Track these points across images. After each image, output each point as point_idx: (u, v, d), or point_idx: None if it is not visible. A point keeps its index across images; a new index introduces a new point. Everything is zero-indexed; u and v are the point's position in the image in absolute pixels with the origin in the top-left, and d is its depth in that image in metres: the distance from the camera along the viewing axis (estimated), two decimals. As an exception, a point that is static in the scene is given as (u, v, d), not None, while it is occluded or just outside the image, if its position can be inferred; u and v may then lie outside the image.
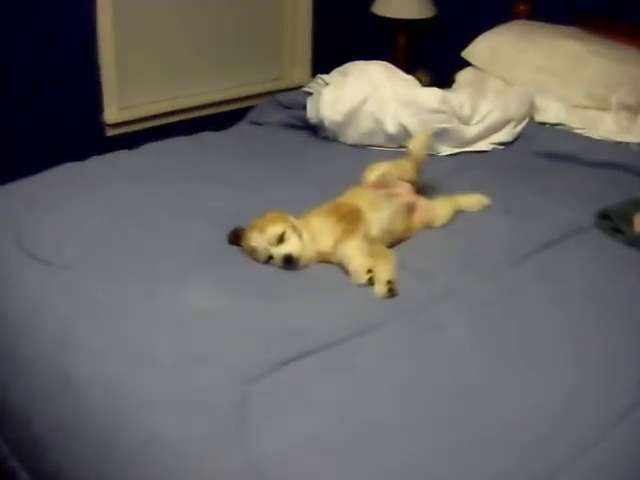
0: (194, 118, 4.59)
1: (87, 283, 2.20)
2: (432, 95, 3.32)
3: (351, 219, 2.39)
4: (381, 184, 2.69)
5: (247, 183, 2.90)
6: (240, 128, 3.56)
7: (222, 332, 2.00)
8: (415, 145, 2.78)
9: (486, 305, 2.18)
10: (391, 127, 3.32)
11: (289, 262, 2.30)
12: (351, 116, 3.34)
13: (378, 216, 2.48)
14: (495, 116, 3.40)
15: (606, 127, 3.56)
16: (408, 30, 4.68)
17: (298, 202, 2.71)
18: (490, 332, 2.06)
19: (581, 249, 2.58)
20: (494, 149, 3.40)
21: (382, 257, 2.31)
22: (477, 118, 3.39)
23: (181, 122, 4.53)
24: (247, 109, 3.82)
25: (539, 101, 3.62)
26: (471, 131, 3.37)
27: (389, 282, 2.18)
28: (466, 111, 3.35)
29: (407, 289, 2.23)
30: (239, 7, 4.69)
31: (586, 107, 3.67)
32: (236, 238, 2.42)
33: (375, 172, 2.72)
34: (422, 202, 2.71)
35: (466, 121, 3.37)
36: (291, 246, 2.32)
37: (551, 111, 3.62)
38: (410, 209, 2.64)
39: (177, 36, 4.50)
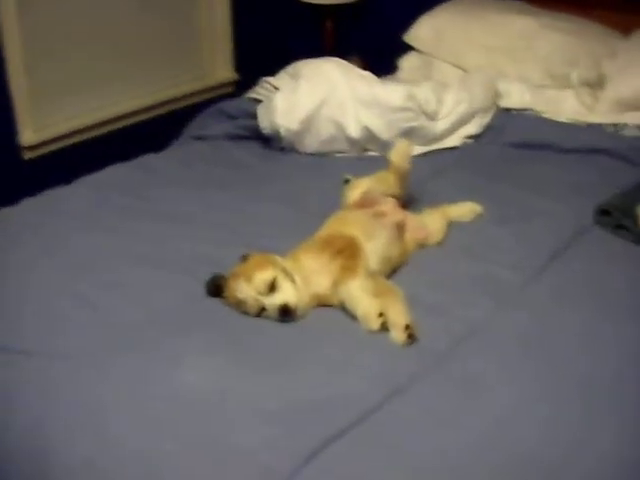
0: (120, 129, 4.17)
1: (52, 366, 1.83)
2: (395, 92, 3.04)
3: (348, 253, 2.08)
4: (365, 202, 2.39)
5: (209, 216, 2.56)
6: (182, 146, 3.19)
7: (229, 417, 1.67)
8: (396, 156, 2.50)
9: (517, 342, 1.92)
10: (354, 131, 3.04)
11: (286, 313, 1.97)
12: (309, 123, 3.04)
13: (374, 245, 2.18)
14: (462, 108, 3.15)
15: (571, 107, 3.36)
16: (334, 15, 4.35)
17: (274, 230, 2.45)
18: (534, 381, 1.80)
19: (591, 254, 2.36)
20: (464, 143, 3.17)
21: (390, 295, 2.02)
22: (444, 112, 3.14)
23: (106, 135, 4.11)
24: (175, 113, 3.45)
25: (500, 85, 3.39)
26: (439, 126, 3.13)
27: (407, 327, 1.89)
28: (432, 106, 3.08)
29: (425, 330, 1.95)
30: (152, 6, 4.27)
31: (544, 85, 3.45)
32: (217, 289, 2.07)
33: (357, 189, 2.42)
34: (411, 218, 2.42)
35: (433, 116, 3.10)
36: (285, 294, 2.00)
37: (514, 95, 3.42)
38: (400, 229, 2.34)
39: (90, 43, 4.05)
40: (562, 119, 3.23)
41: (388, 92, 3.03)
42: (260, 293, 2.00)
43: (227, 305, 2.06)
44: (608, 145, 2.99)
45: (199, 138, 3.27)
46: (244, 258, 2.12)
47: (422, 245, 2.39)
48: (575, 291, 2.15)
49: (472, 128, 3.18)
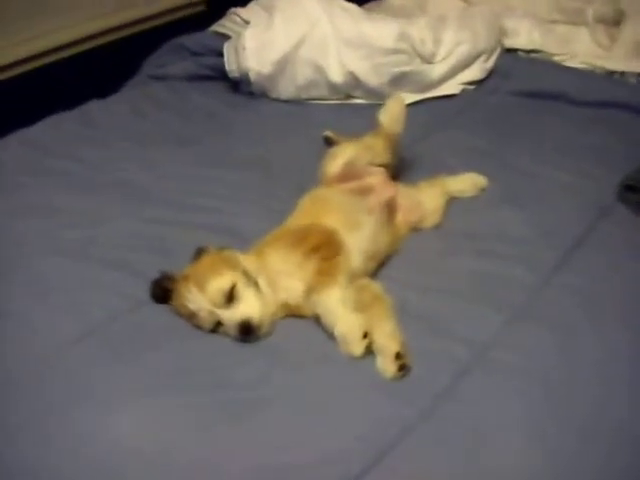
0: (77, 54, 3.56)
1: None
2: (386, 31, 2.59)
3: (326, 252, 1.67)
4: (348, 175, 1.97)
5: (159, 185, 2.14)
6: (136, 88, 2.72)
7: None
8: (388, 117, 2.06)
9: (536, 379, 1.53)
10: (336, 75, 2.63)
11: (247, 331, 1.58)
12: (284, 65, 2.62)
13: (358, 237, 1.78)
14: (463, 50, 2.72)
15: (585, 48, 2.92)
16: None
17: (239, 205, 2.08)
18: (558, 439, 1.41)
19: (618, 243, 1.96)
20: (464, 90, 2.74)
21: (376, 308, 1.63)
22: (442, 54, 2.72)
23: (58, 62, 3.53)
24: (117, 44, 2.97)
25: (507, 21, 2.93)
26: (435, 71, 2.72)
27: (398, 356, 1.50)
28: (428, 47, 2.65)
29: (421, 356, 1.54)
30: None
31: (554, 21, 3.00)
32: (164, 293, 1.67)
33: (339, 159, 1.99)
34: (403, 194, 2.00)
35: (429, 59, 2.66)
36: (247, 306, 1.60)
37: (523, 33, 2.99)
38: (391, 208, 1.93)
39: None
40: (576, 64, 2.81)
41: (377, 31, 2.59)
42: (215, 305, 1.59)
43: (176, 314, 1.65)
44: (630, 99, 2.58)
45: (157, 78, 2.78)
46: (198, 253, 1.70)
47: (416, 227, 1.98)
48: (606, 295, 1.76)
49: (474, 73, 2.77)
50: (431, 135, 2.45)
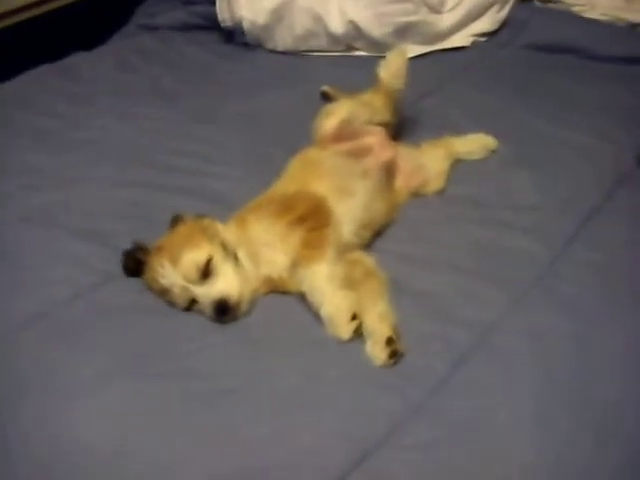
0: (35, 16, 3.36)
1: None
2: (391, -22, 2.36)
3: (313, 223, 1.51)
4: (344, 134, 1.80)
5: (141, 143, 2.00)
6: (125, 39, 2.55)
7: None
8: (388, 71, 1.89)
9: (553, 369, 1.37)
10: (336, 25, 2.47)
11: (224, 311, 1.42)
12: (280, 14, 2.46)
13: (350, 205, 1.61)
14: (474, -2, 2.47)
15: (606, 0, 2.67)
16: None
17: (225, 167, 1.92)
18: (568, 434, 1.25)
19: (636, 214, 1.79)
20: (475, 43, 2.54)
21: (368, 285, 1.47)
22: (451, 3, 2.54)
23: (21, 22, 3.32)
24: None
25: (522, -35, 2.70)
26: (444, 21, 2.54)
27: (390, 341, 1.35)
28: (437, -6, 2.41)
29: (415, 340, 1.39)
30: None
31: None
32: (136, 265, 1.51)
33: (334, 117, 1.82)
34: (404, 156, 1.84)
35: (437, 9, 2.47)
36: (224, 282, 1.45)
37: (540, -21, 2.71)
38: (389, 171, 1.76)
39: None
40: (596, 15, 2.59)
41: (382, -24, 2.37)
42: (190, 280, 1.44)
43: (149, 289, 1.50)
44: (654, 56, 2.36)
45: (147, 28, 2.60)
46: (175, 221, 1.55)
47: (417, 193, 1.82)
48: (624, 272, 1.60)
49: (485, 24, 2.59)
50: (438, 91, 2.28)
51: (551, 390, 1.34)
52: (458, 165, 1.93)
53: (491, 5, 2.55)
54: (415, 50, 2.43)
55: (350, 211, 1.59)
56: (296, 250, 1.49)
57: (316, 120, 1.87)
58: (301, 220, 1.51)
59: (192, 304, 1.47)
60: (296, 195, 1.57)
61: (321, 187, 1.61)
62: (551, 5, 2.69)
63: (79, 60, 2.42)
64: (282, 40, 2.48)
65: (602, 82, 2.31)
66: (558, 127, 2.06)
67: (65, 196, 1.77)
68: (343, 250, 1.53)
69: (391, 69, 1.88)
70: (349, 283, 1.46)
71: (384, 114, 1.88)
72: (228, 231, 1.53)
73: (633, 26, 2.58)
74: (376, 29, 2.41)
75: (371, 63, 2.38)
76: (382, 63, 1.91)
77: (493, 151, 1.96)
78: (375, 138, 1.83)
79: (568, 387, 1.34)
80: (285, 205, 1.54)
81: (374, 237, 1.68)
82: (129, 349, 1.37)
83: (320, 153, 1.75)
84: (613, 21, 2.60)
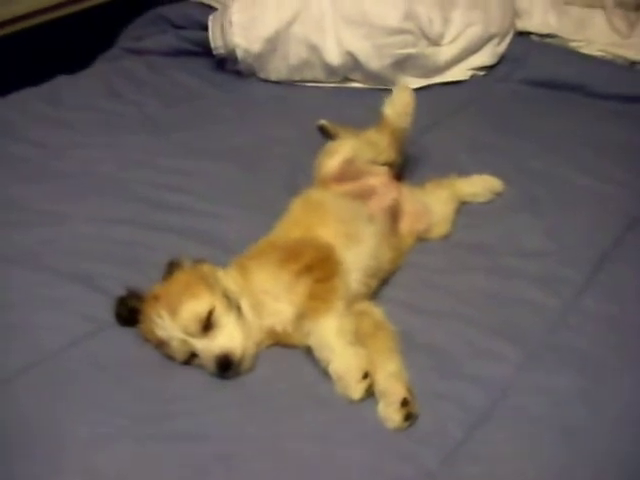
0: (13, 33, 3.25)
1: None
2: (390, 8, 2.35)
3: (321, 272, 1.43)
4: (347, 174, 1.72)
5: (127, 177, 1.89)
6: (109, 63, 2.44)
7: None
8: (394, 109, 1.82)
9: (570, 433, 1.30)
10: (333, 56, 2.39)
11: (227, 367, 1.33)
12: (275, 43, 2.39)
13: (357, 253, 1.53)
14: (474, 31, 2.48)
15: (602, 35, 2.67)
16: None
17: (220, 206, 1.84)
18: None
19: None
20: (473, 77, 2.49)
21: (379, 340, 1.40)
22: (450, 35, 2.48)
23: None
24: (89, 12, 2.68)
25: (519, 1, 2.67)
26: (443, 54, 2.48)
27: (405, 402, 1.26)
28: (436, 27, 2.41)
29: (428, 400, 1.31)
30: None
31: (570, 3, 2.74)
32: (130, 314, 1.42)
33: (337, 156, 1.75)
34: (408, 198, 1.76)
35: (437, 41, 2.40)
36: (227, 336, 1.36)
37: (537, 14, 2.75)
38: (394, 214, 1.69)
39: None
40: (593, 51, 2.56)
41: (381, 8, 2.35)
42: (190, 333, 1.35)
43: (144, 339, 1.40)
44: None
45: (133, 52, 2.51)
46: (171, 267, 1.45)
47: (422, 237, 1.74)
48: (637, 324, 1.53)
49: (484, 57, 2.53)
50: (437, 127, 2.22)
51: (570, 455, 1.26)
52: (463, 208, 1.85)
53: (490, 38, 2.49)
54: (413, 83, 2.36)
55: (358, 259, 1.51)
56: (302, 301, 1.40)
57: (318, 158, 1.79)
58: (308, 269, 1.43)
59: (192, 358, 1.38)
60: (302, 242, 1.49)
61: (327, 233, 1.53)
62: (548, 40, 2.65)
63: (62, 84, 2.33)
64: (276, 69, 2.41)
65: (603, 121, 2.27)
66: (563, 168, 2.01)
67: (50, 234, 1.67)
68: (350, 301, 1.45)
69: (397, 106, 1.81)
70: (358, 337, 1.37)
71: (389, 153, 1.81)
72: (229, 279, 1.45)
73: (631, 64, 2.54)
74: (374, 61, 2.35)
75: (367, 96, 2.35)
76: (388, 100, 1.83)
77: (498, 193, 1.89)
78: (379, 179, 1.76)
79: (587, 449, 1.27)
80: (290, 252, 1.46)
81: (380, 285, 1.60)
82: (126, 408, 1.28)
83: (324, 195, 1.67)
84: (611, 58, 2.56)
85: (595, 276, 1.66)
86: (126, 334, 1.43)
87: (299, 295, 1.41)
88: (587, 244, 1.75)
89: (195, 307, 1.35)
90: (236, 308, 1.40)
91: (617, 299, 1.60)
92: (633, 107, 2.32)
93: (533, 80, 2.47)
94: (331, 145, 1.81)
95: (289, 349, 1.43)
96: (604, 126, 2.23)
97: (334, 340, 1.34)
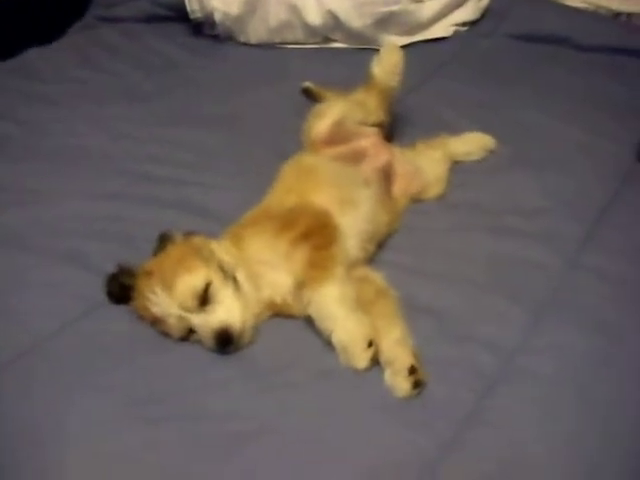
0: None
1: None
2: (370, -36, 2.23)
3: (319, 239, 1.38)
4: (337, 137, 1.67)
5: (109, 150, 1.84)
6: (82, 32, 2.36)
7: None
8: (382, 69, 1.76)
9: (581, 392, 1.27)
10: (313, 16, 2.37)
11: (226, 341, 1.28)
12: (254, 4, 2.34)
13: (354, 217, 1.48)
14: (456, -15, 2.37)
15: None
16: None
17: (206, 174, 1.78)
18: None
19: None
20: (456, 33, 2.43)
21: (381, 306, 1.36)
22: (432, -8, 2.36)
23: None
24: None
25: (500, -49, 2.60)
26: (425, 11, 2.44)
27: (412, 370, 1.22)
28: (418, -17, 2.30)
29: (437, 366, 1.28)
30: None
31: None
32: (122, 291, 1.36)
33: (326, 119, 1.70)
34: (400, 159, 1.72)
35: (417, -3, 2.32)
36: (225, 310, 1.32)
37: (518, -35, 2.61)
38: (387, 176, 1.65)
39: None
40: (578, 3, 2.54)
41: (361, -36, 2.24)
42: (186, 308, 1.30)
43: (139, 317, 1.35)
44: (637, 44, 2.31)
45: (107, 20, 2.42)
46: (162, 241, 1.40)
47: (416, 199, 1.70)
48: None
49: (467, 13, 2.50)
50: (423, 85, 2.17)
51: (584, 417, 1.23)
52: (456, 167, 1.81)
53: (473, -7, 2.43)
54: (396, 41, 2.29)
55: (354, 224, 1.47)
56: (301, 270, 1.36)
57: (306, 122, 1.74)
58: (305, 237, 1.38)
59: (189, 334, 1.33)
60: (297, 208, 1.44)
61: (322, 198, 1.48)
62: (531, -8, 2.59)
63: (35, 57, 2.25)
64: (255, 32, 2.35)
65: (589, 73, 2.24)
66: (553, 122, 1.98)
67: (35, 213, 1.61)
68: (349, 267, 1.40)
69: (385, 65, 1.76)
70: (359, 304, 1.33)
71: (378, 114, 1.76)
72: (223, 250, 1.40)
73: (616, 14, 2.49)
74: (356, 19, 2.29)
75: (349, 56, 2.30)
76: (375, 59, 1.78)
77: (491, 151, 1.85)
78: (370, 140, 1.72)
79: (600, 410, 1.24)
80: (286, 220, 1.41)
81: (377, 249, 1.56)
82: (126, 389, 1.23)
83: (315, 159, 1.62)
84: (594, 9, 2.52)
85: (595, 232, 1.63)
86: (120, 312, 1.38)
87: (297, 264, 1.36)
88: (584, 199, 1.72)
89: (191, 281, 1.31)
90: (232, 280, 1.35)
91: (618, 254, 1.57)
92: (618, 58, 2.30)
93: (517, 34, 2.44)
94: (319, 107, 1.76)
95: (289, 320, 1.39)
96: (591, 79, 2.21)
97: (336, 308, 1.30)
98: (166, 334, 1.34)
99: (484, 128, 1.90)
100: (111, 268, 1.40)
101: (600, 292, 1.47)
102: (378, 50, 2.17)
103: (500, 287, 1.47)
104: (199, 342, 1.32)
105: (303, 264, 1.36)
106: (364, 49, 2.33)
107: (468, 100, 2.09)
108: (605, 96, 2.12)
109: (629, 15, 2.48)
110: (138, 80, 2.16)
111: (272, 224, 1.41)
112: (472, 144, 1.84)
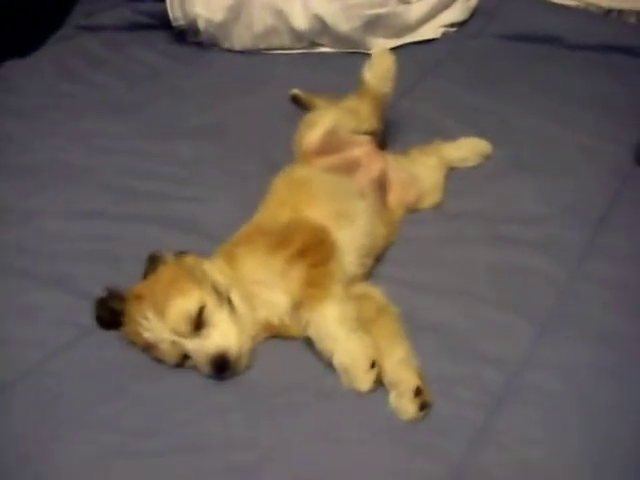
0: None
1: None
2: (358, -33, 2.18)
3: (316, 256, 1.33)
4: (329, 146, 1.62)
5: (90, 164, 1.77)
6: (61, 42, 2.29)
7: None
8: (374, 74, 1.71)
9: (589, 407, 1.23)
10: (300, 20, 2.32)
11: (223, 367, 1.23)
12: (238, 10, 2.29)
13: (352, 231, 1.42)
14: (444, -14, 2.32)
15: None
16: None
17: (194, 188, 1.73)
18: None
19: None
20: (445, 34, 2.40)
21: (383, 325, 1.31)
22: (420, -8, 2.31)
23: None
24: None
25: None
26: (413, 12, 2.39)
27: (419, 392, 1.17)
28: (405, -16, 2.25)
29: (442, 385, 1.23)
30: None
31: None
32: (112, 316, 1.30)
33: (318, 128, 1.64)
34: (394, 167, 1.67)
35: (405, -1, 2.27)
36: (221, 334, 1.26)
37: (506, -36, 2.56)
38: (382, 186, 1.60)
39: None
40: (567, 1, 2.48)
41: (348, -33, 2.19)
42: (180, 334, 1.24)
43: (129, 343, 1.29)
44: (630, 41, 2.28)
45: (87, 29, 2.36)
46: (152, 262, 1.34)
47: (412, 209, 1.65)
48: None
49: (455, 13, 2.45)
50: (414, 89, 2.13)
51: (596, 434, 1.18)
52: (452, 173, 1.76)
53: (461, -7, 2.38)
54: (384, 44, 2.25)
55: (352, 239, 1.42)
56: (298, 289, 1.30)
57: (297, 131, 1.69)
58: (301, 254, 1.33)
59: (184, 360, 1.27)
60: (292, 224, 1.38)
61: (317, 213, 1.42)
62: (520, -9, 2.54)
63: (14, 69, 2.18)
64: (240, 38, 2.30)
65: (583, 72, 2.20)
66: (549, 124, 1.94)
67: (15, 234, 1.54)
68: (348, 284, 1.35)
69: (377, 71, 1.70)
70: (361, 323, 1.28)
71: (371, 121, 1.71)
72: (217, 270, 1.33)
73: (606, 12, 2.45)
74: (343, 23, 2.24)
75: (337, 60, 2.25)
76: (367, 65, 1.72)
77: (488, 156, 1.80)
78: (363, 149, 1.67)
79: (613, 425, 1.20)
80: (281, 237, 1.35)
81: (375, 263, 1.50)
82: (118, 422, 1.17)
83: (309, 172, 1.56)
84: (585, 7, 2.48)
85: (596, 238, 1.59)
86: (110, 338, 1.31)
87: (294, 282, 1.31)
88: (584, 205, 1.68)
89: (184, 305, 1.25)
90: (227, 302, 1.30)
91: (622, 261, 1.53)
92: (611, 57, 2.26)
93: (507, 34, 2.40)
94: (311, 116, 1.70)
95: (287, 341, 1.33)
96: (584, 78, 2.17)
97: (336, 329, 1.25)
98: (159, 360, 1.28)
99: (479, 132, 1.86)
100: (99, 292, 1.34)
101: (604, 300, 1.43)
102: (366, 54, 2.13)
103: (503, 300, 1.43)
104: (194, 368, 1.26)
105: (300, 283, 1.31)
106: (352, 53, 2.29)
107: (462, 103, 2.04)
108: (601, 96, 2.08)
109: (620, 12, 2.44)
110: (121, 91, 2.10)
111: (266, 241, 1.35)
112: (468, 149, 1.79)
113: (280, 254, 1.33)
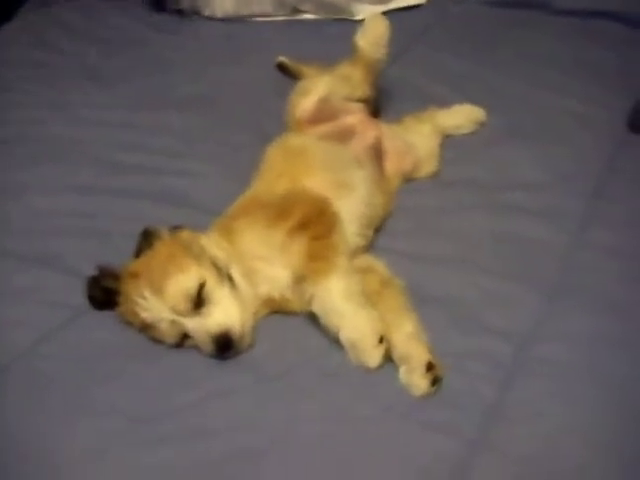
0: None
1: None
2: None
3: (318, 228, 1.27)
4: (322, 114, 1.57)
5: (81, 136, 1.72)
6: (35, 11, 2.22)
7: None
8: (368, 40, 1.65)
9: (599, 377, 1.20)
10: None
11: (226, 346, 1.18)
12: None
13: (351, 202, 1.37)
14: (429, -52, 2.27)
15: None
16: None
17: (185, 160, 1.67)
18: None
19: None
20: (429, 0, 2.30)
21: (389, 298, 1.26)
22: (404, -44, 2.25)
23: None
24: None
25: None
26: None
27: (430, 366, 1.13)
28: (389, -52, 2.19)
29: (452, 359, 1.20)
30: None
31: None
32: (105, 295, 1.24)
33: (311, 96, 1.60)
34: (389, 135, 1.62)
35: (390, -37, 2.21)
36: (222, 311, 1.21)
37: None
38: (378, 154, 1.55)
39: None
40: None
41: None
42: (179, 312, 1.19)
43: (125, 323, 1.24)
44: (620, 8, 2.24)
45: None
46: (146, 238, 1.28)
47: (409, 178, 1.60)
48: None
49: (440, -22, 2.33)
50: (402, 56, 2.08)
51: (609, 404, 1.16)
52: (447, 141, 1.72)
53: (445, -42, 2.33)
54: (368, 11, 2.20)
55: (352, 209, 1.37)
56: (300, 263, 1.25)
57: (289, 99, 1.63)
58: (302, 226, 1.27)
59: (183, 340, 1.22)
60: (291, 195, 1.33)
61: (315, 182, 1.38)
62: (505, -46, 2.49)
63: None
64: (221, 5, 2.24)
65: (572, 38, 2.18)
66: (538, 91, 1.93)
67: (2, 212, 1.46)
68: (351, 256, 1.30)
69: (370, 37, 1.66)
70: (366, 297, 1.23)
71: (364, 88, 1.67)
72: (215, 245, 1.28)
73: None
74: (326, -13, 2.17)
75: (320, 27, 2.18)
76: (360, 31, 1.67)
77: (482, 123, 1.76)
78: (356, 117, 1.62)
79: (625, 394, 1.17)
80: (280, 208, 1.30)
81: (374, 234, 1.46)
82: (119, 407, 1.12)
83: (304, 140, 1.51)
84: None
85: (596, 205, 1.57)
86: (104, 319, 1.25)
87: (295, 256, 1.26)
88: (582, 172, 1.66)
89: (183, 282, 1.19)
90: (227, 278, 1.24)
91: (621, 228, 1.50)
92: (597, 23, 2.23)
93: (492, 0, 2.33)
94: (303, 84, 1.65)
95: (289, 317, 1.28)
96: (572, 44, 2.15)
97: (342, 303, 1.20)
98: (158, 341, 1.23)
99: (471, 99, 1.82)
100: (91, 270, 1.27)
101: (607, 269, 1.41)
102: (351, 21, 2.08)
103: (507, 270, 1.40)
104: (195, 348, 1.21)
105: (302, 256, 1.26)
106: (336, 20, 2.23)
107: (450, 70, 2.02)
108: (588, 62, 2.06)
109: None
110: (100, 61, 2.03)
111: (265, 214, 1.30)
112: (462, 117, 1.75)
113: (280, 227, 1.28)
